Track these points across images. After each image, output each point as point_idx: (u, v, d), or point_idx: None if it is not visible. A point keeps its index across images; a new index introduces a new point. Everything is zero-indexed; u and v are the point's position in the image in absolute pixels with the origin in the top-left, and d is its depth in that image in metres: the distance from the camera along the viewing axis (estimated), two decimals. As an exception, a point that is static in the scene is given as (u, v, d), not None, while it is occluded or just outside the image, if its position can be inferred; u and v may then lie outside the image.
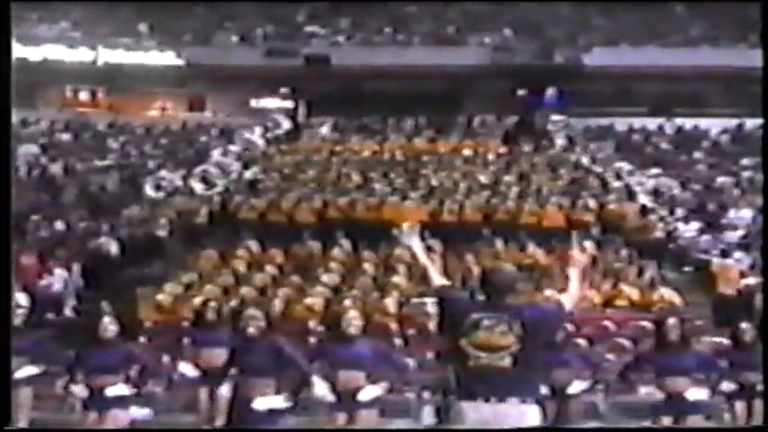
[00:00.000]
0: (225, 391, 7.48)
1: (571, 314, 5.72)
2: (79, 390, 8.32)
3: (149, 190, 21.90)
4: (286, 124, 30.32)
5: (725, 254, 17.48)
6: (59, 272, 16.46)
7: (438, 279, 5.78)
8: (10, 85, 8.56)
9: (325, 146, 27.43)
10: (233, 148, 26.79)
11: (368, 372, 8.37)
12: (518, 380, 5.30)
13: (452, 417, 5.33)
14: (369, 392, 8.31)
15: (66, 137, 28.42)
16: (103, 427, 8.16)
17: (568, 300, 5.66)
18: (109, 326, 8.39)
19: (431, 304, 14.61)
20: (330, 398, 8.28)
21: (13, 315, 8.84)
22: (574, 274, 5.74)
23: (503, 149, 26.78)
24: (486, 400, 5.24)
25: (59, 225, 19.00)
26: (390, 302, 15.24)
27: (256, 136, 28.44)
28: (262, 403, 7.15)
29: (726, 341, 10.36)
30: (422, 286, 15.80)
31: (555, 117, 29.05)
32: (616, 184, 22.82)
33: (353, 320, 8.56)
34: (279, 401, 7.25)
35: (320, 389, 8.23)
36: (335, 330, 8.67)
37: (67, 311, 16.06)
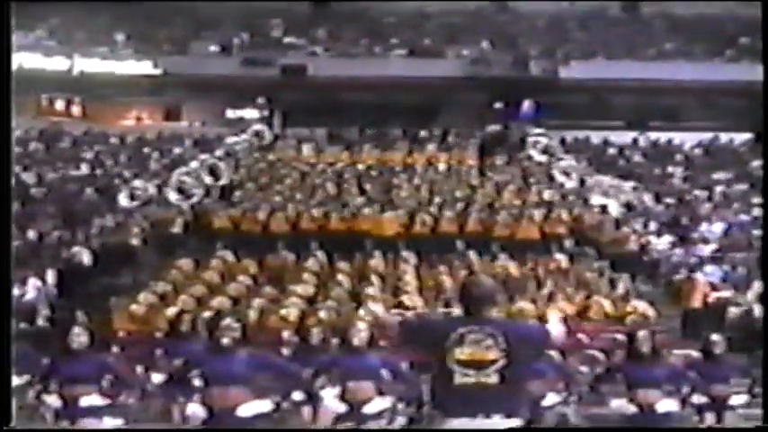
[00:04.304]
0: (196, 401, 7.46)
1: (554, 343, 5.59)
2: (52, 399, 8.28)
3: (123, 199, 21.81)
4: (264, 134, 30.27)
5: (697, 267, 17.63)
6: (33, 281, 16.35)
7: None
8: (10, 88, 8.50)
9: (301, 156, 27.45)
10: (208, 157, 26.71)
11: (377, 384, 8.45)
12: (503, 397, 5.26)
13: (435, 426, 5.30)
14: (377, 405, 8.39)
15: (40, 146, 28.26)
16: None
17: (554, 330, 5.52)
18: (78, 336, 8.35)
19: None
20: (341, 408, 8.35)
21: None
22: (554, 317, 5.68)
23: (478, 162, 26.89)
24: (473, 416, 5.23)
25: (32, 234, 18.88)
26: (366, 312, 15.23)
27: (232, 146, 28.38)
28: (247, 409, 7.15)
29: (696, 353, 10.44)
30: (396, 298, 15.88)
31: (533, 130, 29.18)
32: (590, 196, 22.95)
33: (360, 332, 8.62)
34: (265, 406, 7.25)
35: (329, 399, 8.30)
36: (344, 342, 8.75)
37: (40, 321, 15.95)
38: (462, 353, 5.23)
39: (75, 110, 32.55)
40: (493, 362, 5.22)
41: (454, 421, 5.21)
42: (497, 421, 5.22)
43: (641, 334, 8.95)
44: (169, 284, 16.72)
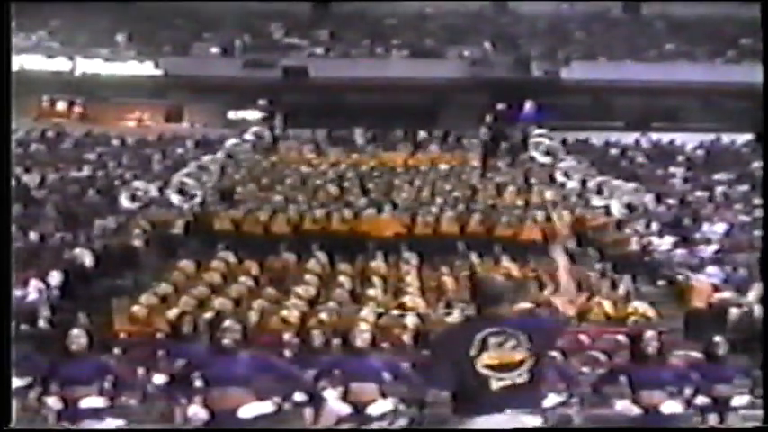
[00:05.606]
0: (197, 403, 7.45)
1: (570, 319, 5.54)
2: (53, 401, 8.27)
3: (125, 201, 21.81)
4: (265, 136, 30.28)
5: (698, 268, 17.61)
6: (35, 283, 16.34)
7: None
8: (10, 90, 8.49)
9: (302, 158, 27.45)
10: (210, 159, 26.72)
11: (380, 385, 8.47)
12: (529, 392, 5.20)
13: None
14: (379, 406, 8.39)
15: (41, 147, 28.27)
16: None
17: (562, 302, 5.50)
18: (78, 338, 8.34)
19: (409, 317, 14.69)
20: (344, 410, 8.36)
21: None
22: (562, 273, 5.63)
23: (480, 163, 26.87)
24: (500, 411, 5.13)
25: (34, 236, 18.88)
26: (367, 314, 15.23)
27: (233, 147, 28.38)
28: (248, 411, 7.14)
29: (698, 354, 10.43)
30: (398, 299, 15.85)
31: (535, 131, 29.16)
32: (592, 198, 22.93)
33: (363, 334, 8.63)
34: (266, 407, 7.25)
35: (332, 401, 8.30)
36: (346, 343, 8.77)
37: (41, 323, 15.93)
38: (490, 357, 5.14)
39: (77, 111, 32.53)
40: (521, 362, 5.16)
41: (479, 419, 5.11)
42: (523, 417, 5.14)
43: (648, 334, 8.93)
44: (170, 286, 16.71)
